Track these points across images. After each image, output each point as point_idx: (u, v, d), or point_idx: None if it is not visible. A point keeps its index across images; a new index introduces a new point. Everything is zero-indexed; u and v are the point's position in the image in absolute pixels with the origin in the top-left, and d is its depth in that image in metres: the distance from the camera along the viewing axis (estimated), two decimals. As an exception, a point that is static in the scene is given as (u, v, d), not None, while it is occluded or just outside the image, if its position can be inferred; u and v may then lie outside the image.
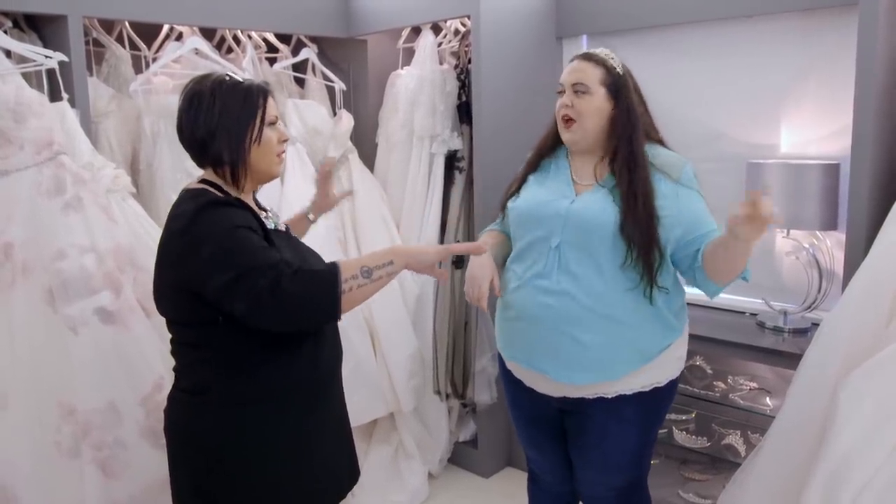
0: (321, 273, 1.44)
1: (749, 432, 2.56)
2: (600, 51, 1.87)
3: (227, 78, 1.58)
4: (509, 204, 1.97)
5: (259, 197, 1.76)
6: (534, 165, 1.99)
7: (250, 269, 1.41)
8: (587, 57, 1.85)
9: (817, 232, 2.50)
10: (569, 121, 1.84)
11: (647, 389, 1.84)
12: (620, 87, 1.81)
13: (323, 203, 2.04)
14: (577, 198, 1.84)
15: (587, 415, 1.88)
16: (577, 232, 1.79)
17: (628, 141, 1.79)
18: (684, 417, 2.71)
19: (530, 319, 1.84)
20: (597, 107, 1.81)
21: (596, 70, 1.82)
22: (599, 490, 1.96)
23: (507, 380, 2.04)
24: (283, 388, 1.59)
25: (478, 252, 1.70)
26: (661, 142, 1.91)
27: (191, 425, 1.60)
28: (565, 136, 1.87)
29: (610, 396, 1.83)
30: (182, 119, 1.57)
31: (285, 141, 1.66)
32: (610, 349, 1.78)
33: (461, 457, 3.22)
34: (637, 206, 1.73)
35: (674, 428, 2.74)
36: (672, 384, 1.91)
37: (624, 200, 1.75)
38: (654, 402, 1.88)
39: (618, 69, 1.83)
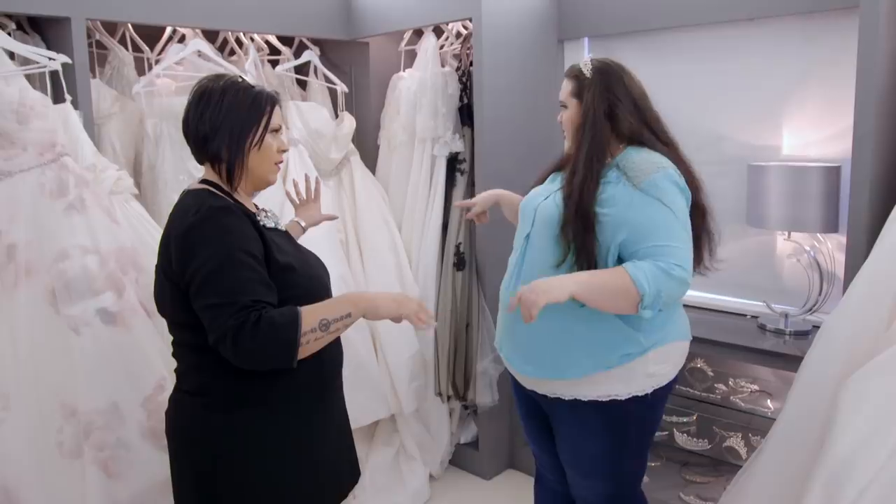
0: (282, 326, 1.45)
1: (750, 434, 2.55)
2: (580, 62, 1.87)
3: (241, 80, 1.61)
4: None
5: (261, 200, 1.77)
6: (561, 166, 1.98)
7: (226, 304, 1.43)
8: (567, 72, 1.90)
9: (818, 234, 2.50)
10: (564, 134, 1.91)
11: (603, 400, 1.79)
12: (583, 92, 1.82)
13: (312, 215, 2.16)
14: (551, 195, 1.86)
15: (555, 416, 1.90)
16: (538, 227, 1.84)
17: (580, 143, 1.80)
18: (685, 420, 2.71)
19: (504, 308, 1.91)
20: (571, 118, 1.86)
21: (569, 84, 1.86)
22: (588, 494, 1.95)
23: (509, 373, 2.05)
24: (286, 392, 1.60)
25: (429, 323, 1.65)
26: (663, 144, 1.83)
27: (192, 426, 1.61)
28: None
29: (566, 398, 1.82)
30: (189, 112, 1.60)
31: (284, 151, 1.68)
32: (560, 346, 1.77)
33: (462, 458, 3.22)
34: (570, 205, 1.73)
35: (675, 430, 2.74)
36: (637, 402, 1.80)
37: (563, 199, 1.77)
38: (617, 415, 1.81)
39: (586, 74, 1.82)
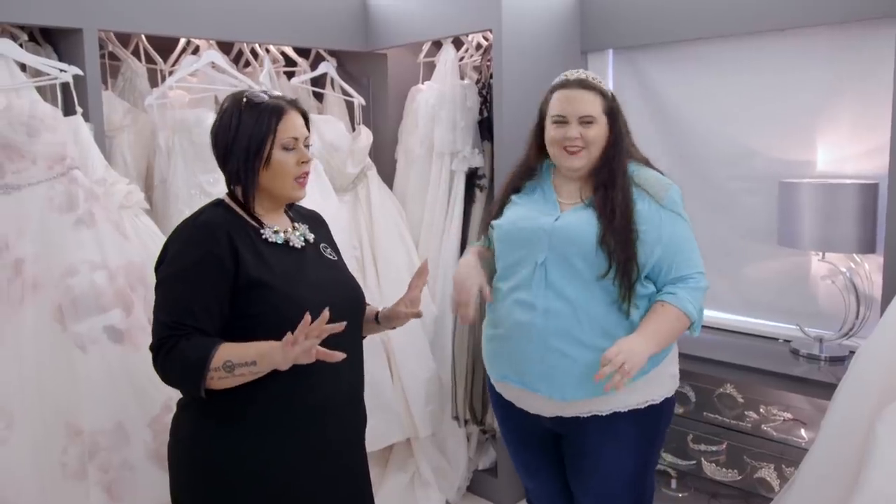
0: (190, 361, 1.49)
1: (783, 465, 2.47)
2: (589, 76, 1.90)
3: (244, 100, 1.61)
4: (493, 223, 1.99)
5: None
6: (517, 188, 2.02)
7: (155, 319, 1.55)
8: (584, 85, 1.87)
9: (855, 255, 2.45)
10: (577, 150, 1.86)
11: (642, 407, 1.85)
12: (616, 112, 1.88)
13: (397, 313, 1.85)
14: (561, 215, 1.88)
15: (582, 435, 1.87)
16: (561, 247, 1.82)
17: (609, 162, 1.85)
18: (714, 448, 2.63)
19: (518, 336, 1.85)
20: (603, 135, 1.87)
21: (597, 99, 1.87)
22: None
23: (498, 403, 2.03)
24: (260, 415, 1.58)
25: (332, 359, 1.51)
26: (645, 161, 1.94)
27: (175, 438, 1.66)
28: (570, 162, 1.88)
29: (604, 414, 1.83)
30: (212, 135, 1.66)
31: (306, 162, 1.64)
32: (598, 363, 1.74)
33: (480, 485, 3.15)
34: (615, 220, 1.77)
35: (703, 460, 2.66)
36: (668, 403, 1.91)
37: (602, 215, 1.80)
38: (651, 421, 1.88)
39: (610, 93, 1.89)
